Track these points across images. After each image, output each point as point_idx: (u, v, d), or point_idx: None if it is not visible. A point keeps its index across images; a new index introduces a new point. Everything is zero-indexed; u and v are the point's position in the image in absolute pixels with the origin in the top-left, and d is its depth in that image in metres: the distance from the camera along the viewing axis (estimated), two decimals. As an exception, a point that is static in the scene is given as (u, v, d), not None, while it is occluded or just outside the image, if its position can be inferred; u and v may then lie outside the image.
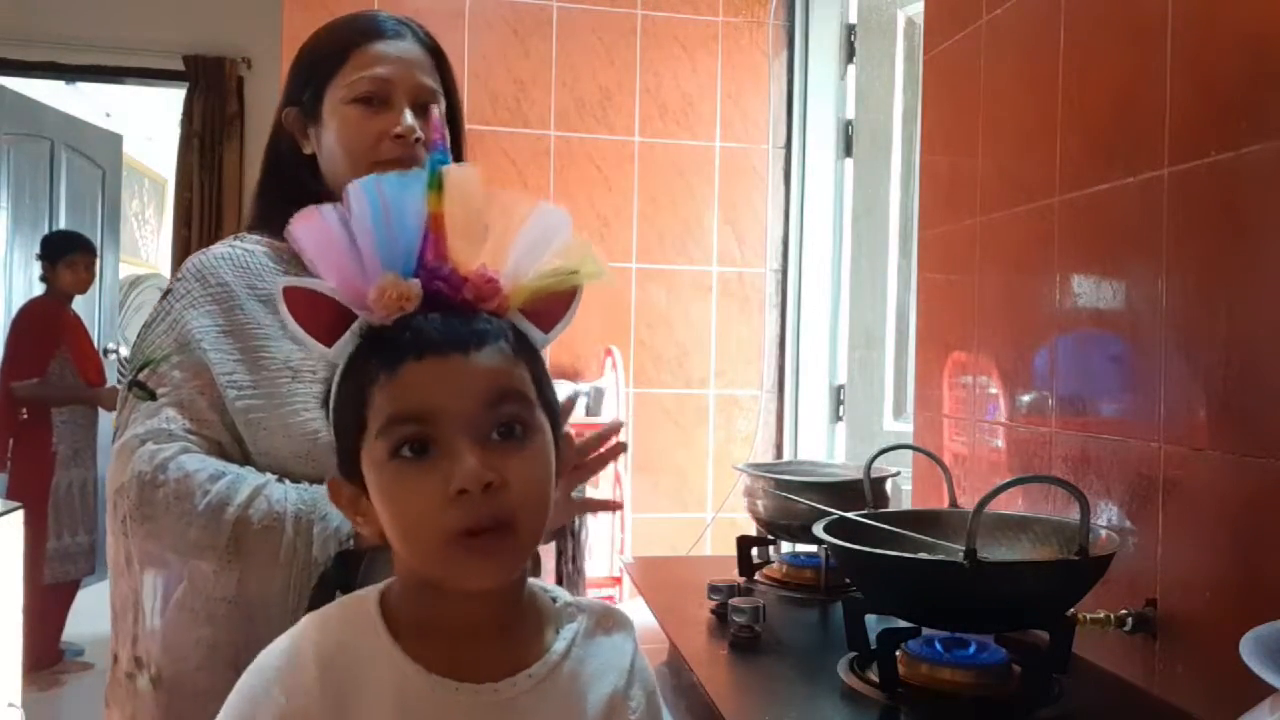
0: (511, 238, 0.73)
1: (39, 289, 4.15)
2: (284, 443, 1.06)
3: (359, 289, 0.70)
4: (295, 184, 1.16)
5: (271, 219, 1.10)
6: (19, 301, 4.41)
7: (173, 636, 1.06)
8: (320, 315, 0.71)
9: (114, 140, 5.12)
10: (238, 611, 1.01)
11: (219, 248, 1.18)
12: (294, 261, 1.03)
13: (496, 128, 2.86)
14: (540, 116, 2.91)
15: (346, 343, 0.72)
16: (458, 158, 1.23)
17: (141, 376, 1.10)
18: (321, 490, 1.02)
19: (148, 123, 6.04)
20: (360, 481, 0.71)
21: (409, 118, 1.14)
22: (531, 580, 0.76)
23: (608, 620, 0.78)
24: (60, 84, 4.73)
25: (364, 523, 0.73)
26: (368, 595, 0.74)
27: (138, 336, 1.15)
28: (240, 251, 1.16)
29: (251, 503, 1.02)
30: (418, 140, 1.13)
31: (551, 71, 2.92)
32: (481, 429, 0.67)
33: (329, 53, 1.17)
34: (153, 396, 1.08)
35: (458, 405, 0.67)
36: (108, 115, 5.69)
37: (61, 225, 4.69)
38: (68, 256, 3.96)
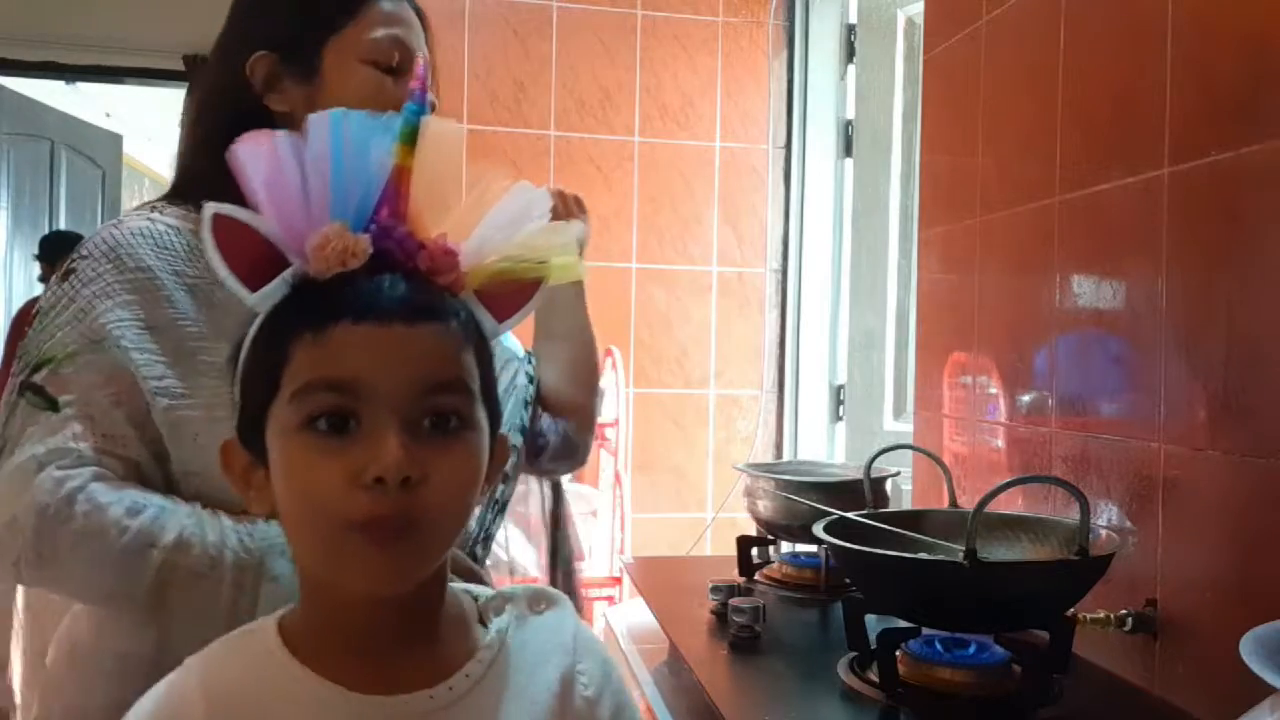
0: (480, 212, 0.66)
1: (39, 289, 4.15)
2: None
3: (299, 233, 0.62)
4: None
5: (207, 186, 0.76)
6: (19, 301, 4.41)
7: (78, 699, 0.91)
8: (249, 253, 0.62)
9: (114, 140, 5.13)
10: (158, 674, 0.69)
11: (136, 221, 0.97)
12: None
13: (496, 127, 2.85)
14: (540, 116, 2.90)
15: (274, 290, 0.63)
16: None
17: (38, 379, 0.89)
18: (275, 530, 0.86)
19: (148, 123, 6.04)
20: (259, 450, 0.63)
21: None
22: (451, 584, 0.70)
23: (538, 601, 0.72)
24: (60, 84, 4.73)
25: (255, 498, 0.65)
26: (262, 623, 0.66)
27: (33, 327, 0.93)
28: (162, 229, 0.96)
29: (179, 543, 0.84)
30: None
31: (551, 71, 2.92)
32: (412, 414, 0.60)
33: (335, 4, 1.01)
34: (54, 405, 0.88)
35: (390, 383, 0.59)
36: (108, 115, 5.69)
37: (61, 225, 4.69)
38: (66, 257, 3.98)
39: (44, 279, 4.01)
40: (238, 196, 0.63)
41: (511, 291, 0.67)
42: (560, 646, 0.70)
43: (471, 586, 0.73)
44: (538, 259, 0.67)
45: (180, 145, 1.06)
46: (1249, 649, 0.65)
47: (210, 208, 0.62)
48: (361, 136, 0.63)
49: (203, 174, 0.96)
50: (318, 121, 0.62)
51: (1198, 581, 1.13)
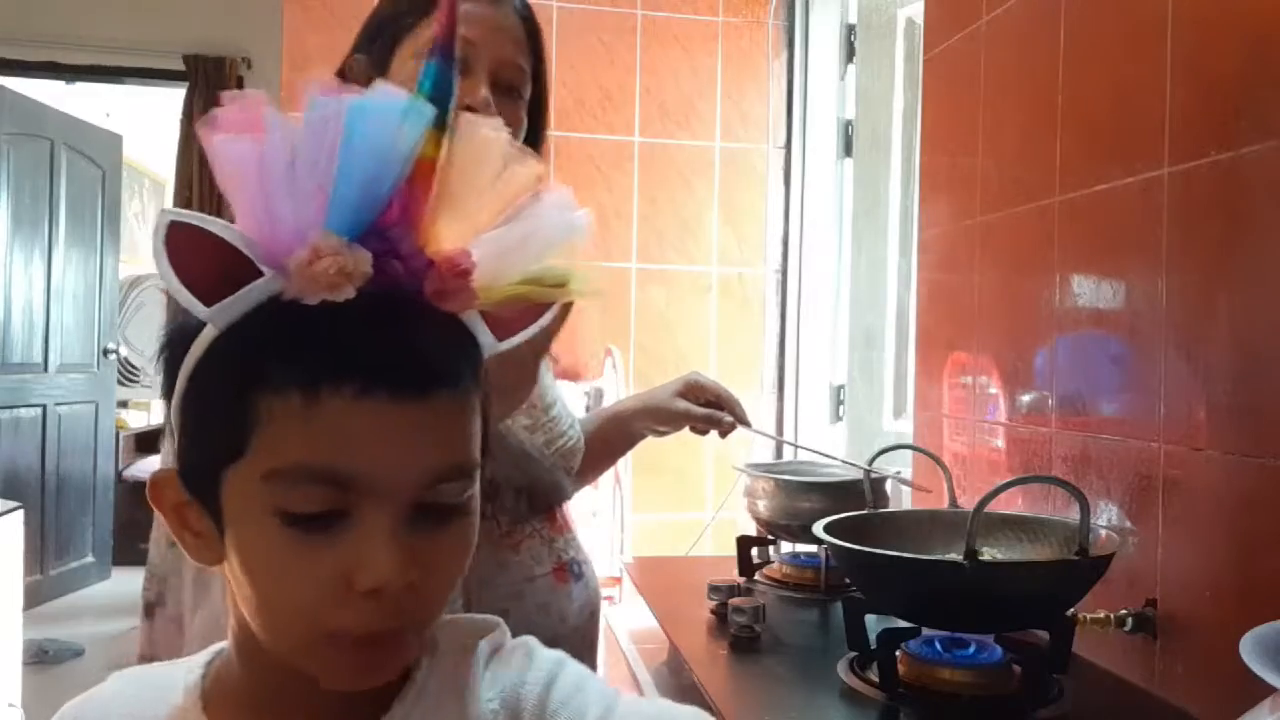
0: (500, 215, 0.53)
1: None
2: None
3: (279, 239, 0.48)
4: None
5: None
6: (19, 301, 4.41)
7: None
8: (210, 260, 0.48)
9: (114, 140, 5.13)
10: None
11: None
12: None
13: (496, 128, 2.85)
14: (540, 116, 2.90)
15: (238, 302, 0.49)
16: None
17: None
18: None
19: (148, 123, 6.04)
20: (205, 495, 0.51)
21: (484, 90, 0.97)
22: None
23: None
24: (60, 84, 4.73)
25: (196, 544, 0.53)
26: (187, 671, 0.58)
27: None
28: None
29: None
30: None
31: (551, 71, 2.91)
32: (412, 506, 0.49)
33: (412, 1, 1.00)
34: None
35: (395, 475, 0.48)
36: (108, 115, 5.69)
37: (61, 225, 4.69)
38: None
39: None
40: None
41: (518, 309, 0.56)
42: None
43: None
44: (557, 279, 0.55)
45: None
46: (1249, 649, 0.65)
47: (168, 214, 0.48)
48: (381, 128, 0.48)
49: None
50: (326, 108, 0.47)
51: (1198, 581, 1.13)
